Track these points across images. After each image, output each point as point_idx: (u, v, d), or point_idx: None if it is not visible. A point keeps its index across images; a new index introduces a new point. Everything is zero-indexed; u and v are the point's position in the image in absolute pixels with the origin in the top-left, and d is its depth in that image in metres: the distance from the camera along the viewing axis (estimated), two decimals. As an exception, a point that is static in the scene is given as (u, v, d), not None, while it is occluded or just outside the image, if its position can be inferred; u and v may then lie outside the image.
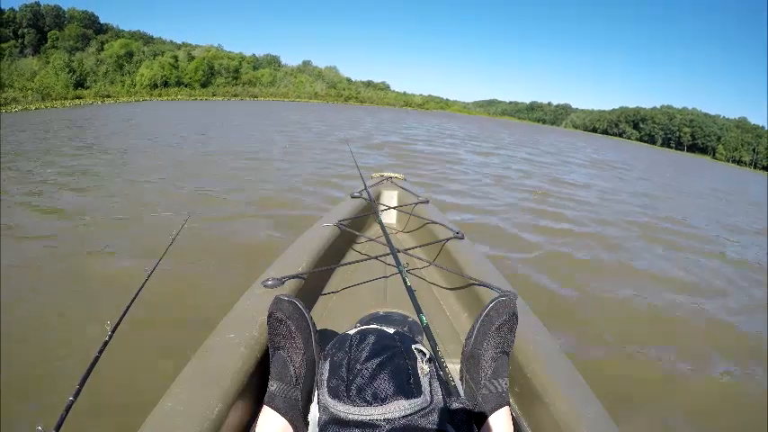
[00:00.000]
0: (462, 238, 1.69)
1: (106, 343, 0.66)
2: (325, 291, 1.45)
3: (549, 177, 9.17)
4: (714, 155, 68.52)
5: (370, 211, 2.05)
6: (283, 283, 1.16)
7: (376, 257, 1.56)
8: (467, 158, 10.63)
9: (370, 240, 1.82)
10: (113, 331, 0.69)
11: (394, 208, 2.25)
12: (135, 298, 0.84)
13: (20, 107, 17.00)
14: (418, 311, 1.03)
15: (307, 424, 0.78)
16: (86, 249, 3.14)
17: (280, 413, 0.75)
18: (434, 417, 0.62)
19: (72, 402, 0.54)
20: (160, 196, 4.71)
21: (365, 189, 2.17)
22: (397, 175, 2.59)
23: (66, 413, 0.52)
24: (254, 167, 6.64)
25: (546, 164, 12.05)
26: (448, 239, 1.69)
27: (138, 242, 3.29)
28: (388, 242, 1.45)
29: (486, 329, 0.87)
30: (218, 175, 5.91)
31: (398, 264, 1.28)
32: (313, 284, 1.38)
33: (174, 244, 1.26)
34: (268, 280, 1.15)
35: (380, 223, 1.67)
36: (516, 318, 0.88)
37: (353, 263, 1.61)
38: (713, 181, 17.57)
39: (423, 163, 8.65)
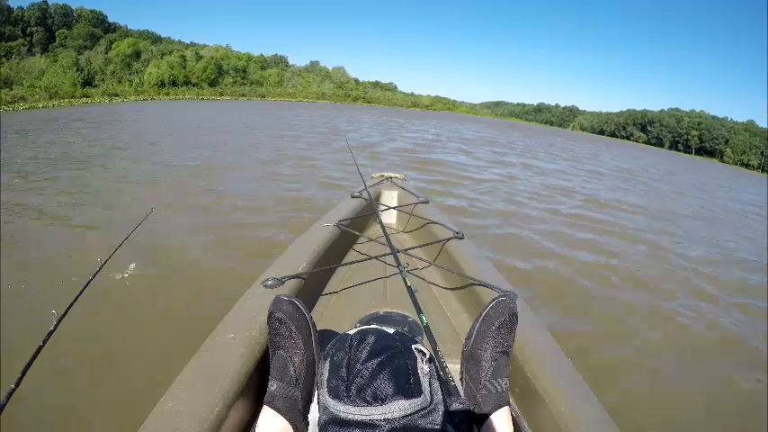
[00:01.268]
0: (462, 238, 1.69)
1: (51, 333, 0.64)
2: (325, 291, 1.45)
3: (596, 199, 7.11)
4: (722, 158, 67.81)
5: (370, 211, 2.04)
6: (283, 283, 1.16)
7: (376, 257, 1.55)
8: (495, 176, 8.23)
9: (370, 240, 1.82)
10: (59, 321, 0.67)
11: (394, 208, 2.24)
12: (85, 288, 0.78)
13: (27, 105, 17.19)
14: (418, 311, 1.03)
15: (307, 424, 0.78)
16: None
17: (280, 413, 0.75)
18: (434, 417, 0.62)
19: (13, 390, 0.52)
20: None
21: (365, 189, 2.17)
22: (397, 174, 2.58)
23: (7, 401, 0.51)
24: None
25: (575, 176, 10.04)
26: (448, 239, 1.68)
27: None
28: (388, 242, 1.44)
29: (485, 329, 0.87)
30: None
31: (398, 264, 1.28)
32: (313, 284, 1.38)
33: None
34: (268, 280, 1.15)
35: (380, 223, 1.66)
36: (516, 318, 0.88)
37: (353, 263, 1.61)
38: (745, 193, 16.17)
39: (452, 182, 6.84)
